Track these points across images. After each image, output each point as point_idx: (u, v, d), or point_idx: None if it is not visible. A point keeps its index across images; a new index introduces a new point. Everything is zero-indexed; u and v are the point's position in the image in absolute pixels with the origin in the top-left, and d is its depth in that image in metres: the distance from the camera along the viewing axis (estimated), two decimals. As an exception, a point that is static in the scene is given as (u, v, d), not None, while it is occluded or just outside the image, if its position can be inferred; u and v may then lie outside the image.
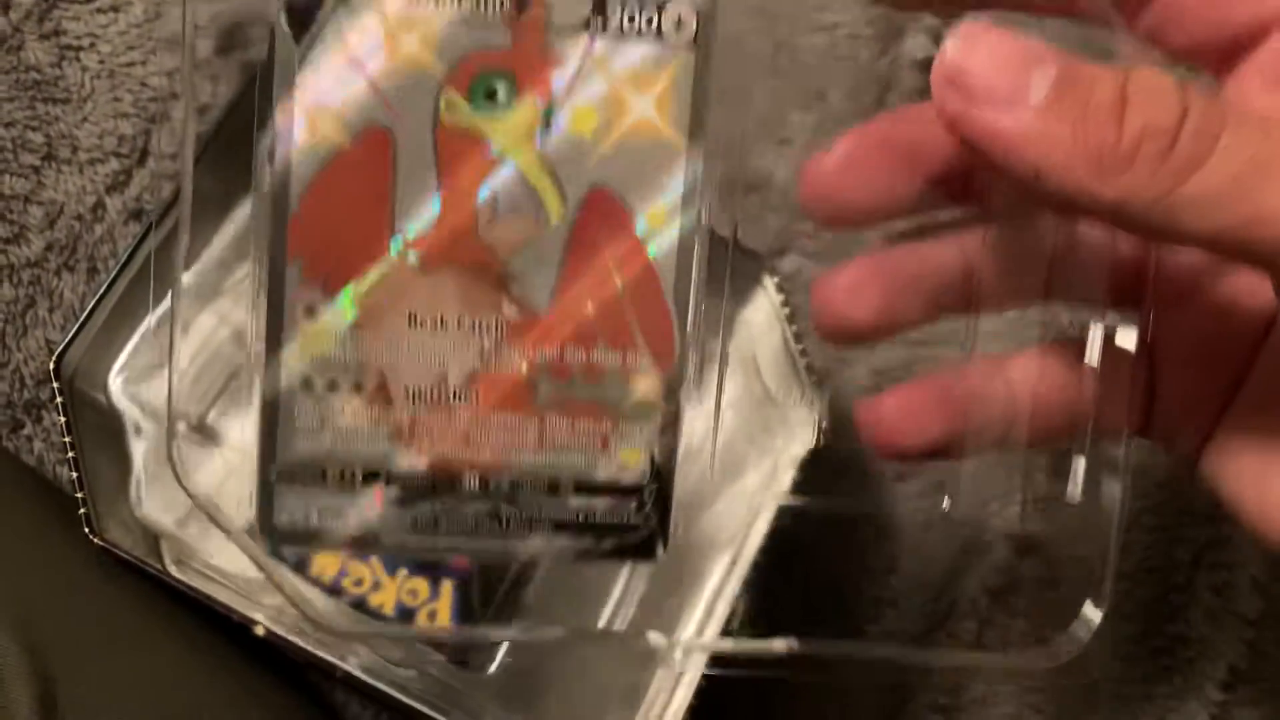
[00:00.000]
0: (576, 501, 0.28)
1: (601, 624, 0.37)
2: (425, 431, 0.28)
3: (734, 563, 0.37)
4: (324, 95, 0.26)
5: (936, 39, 0.38)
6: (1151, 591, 0.44)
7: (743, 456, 0.39)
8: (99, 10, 0.44)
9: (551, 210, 0.27)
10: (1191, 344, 0.29)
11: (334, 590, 0.36)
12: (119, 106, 0.44)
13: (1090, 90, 0.22)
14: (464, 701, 0.36)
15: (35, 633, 0.35)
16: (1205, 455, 0.28)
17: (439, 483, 0.28)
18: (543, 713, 0.37)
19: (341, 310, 0.27)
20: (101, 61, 0.44)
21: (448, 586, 0.36)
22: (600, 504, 0.28)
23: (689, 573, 0.37)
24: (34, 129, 0.44)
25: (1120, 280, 0.28)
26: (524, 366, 0.28)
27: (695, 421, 0.29)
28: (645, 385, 0.28)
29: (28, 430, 0.43)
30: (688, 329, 0.28)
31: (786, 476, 0.38)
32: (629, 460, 0.28)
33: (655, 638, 0.33)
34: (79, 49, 0.44)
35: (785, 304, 0.38)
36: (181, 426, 0.37)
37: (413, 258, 0.27)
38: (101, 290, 0.37)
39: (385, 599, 0.36)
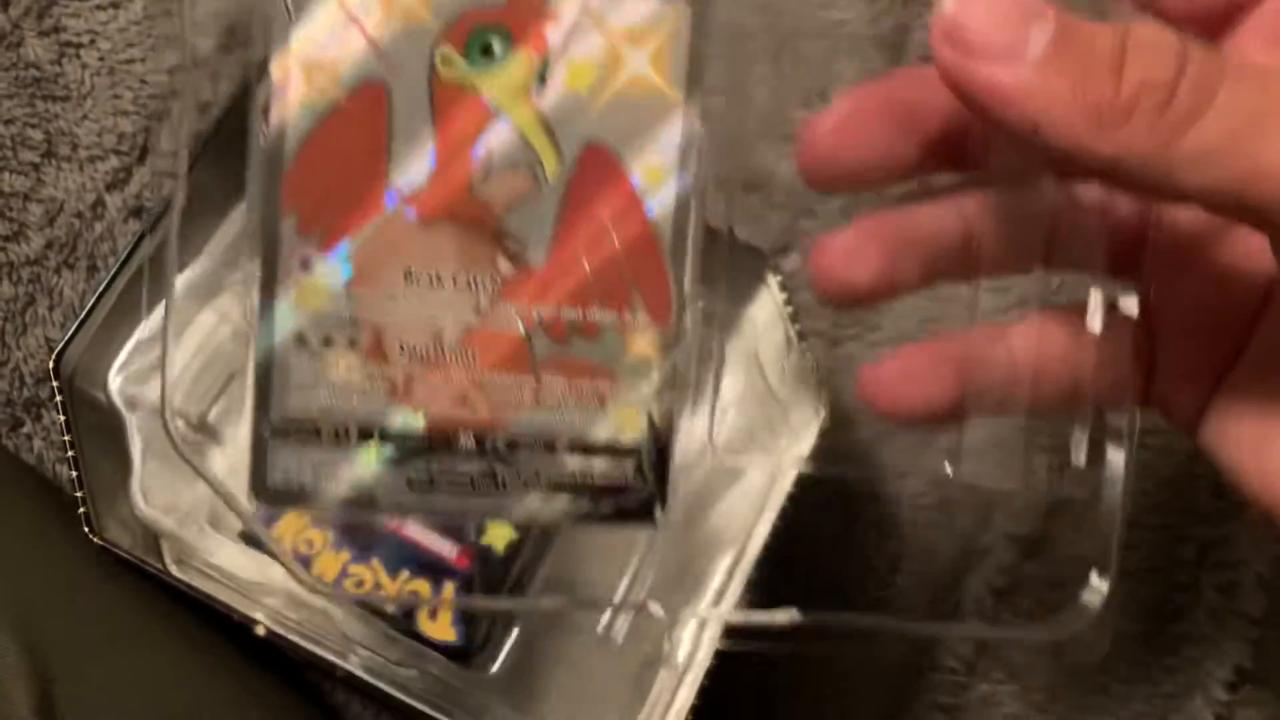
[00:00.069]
0: (574, 462, 0.28)
1: (603, 624, 0.37)
2: (421, 389, 0.27)
3: (737, 561, 0.37)
4: (320, 50, 0.26)
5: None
6: (1156, 590, 0.44)
7: (745, 453, 0.39)
8: (99, 7, 0.44)
9: (547, 166, 0.27)
10: (1191, 311, 0.29)
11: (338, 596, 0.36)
12: (119, 104, 0.44)
13: (1089, 44, 0.22)
14: (466, 701, 0.36)
15: (34, 632, 0.35)
16: (1205, 424, 0.28)
17: (435, 441, 0.28)
18: (545, 713, 0.37)
19: (337, 265, 0.27)
20: (101, 58, 0.44)
21: (449, 587, 0.36)
22: (598, 464, 0.28)
23: (692, 572, 0.37)
24: (33, 126, 0.44)
25: (1119, 248, 0.28)
26: (520, 324, 0.28)
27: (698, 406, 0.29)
28: (642, 344, 0.28)
29: (27, 428, 0.43)
30: (685, 288, 0.28)
31: (790, 475, 0.37)
32: (626, 421, 0.28)
33: (655, 608, 0.33)
34: (79, 46, 0.44)
35: (788, 302, 0.38)
36: (181, 425, 0.37)
37: (408, 213, 0.27)
38: (101, 288, 0.37)
39: (386, 599, 0.36)
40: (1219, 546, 0.44)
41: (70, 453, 0.35)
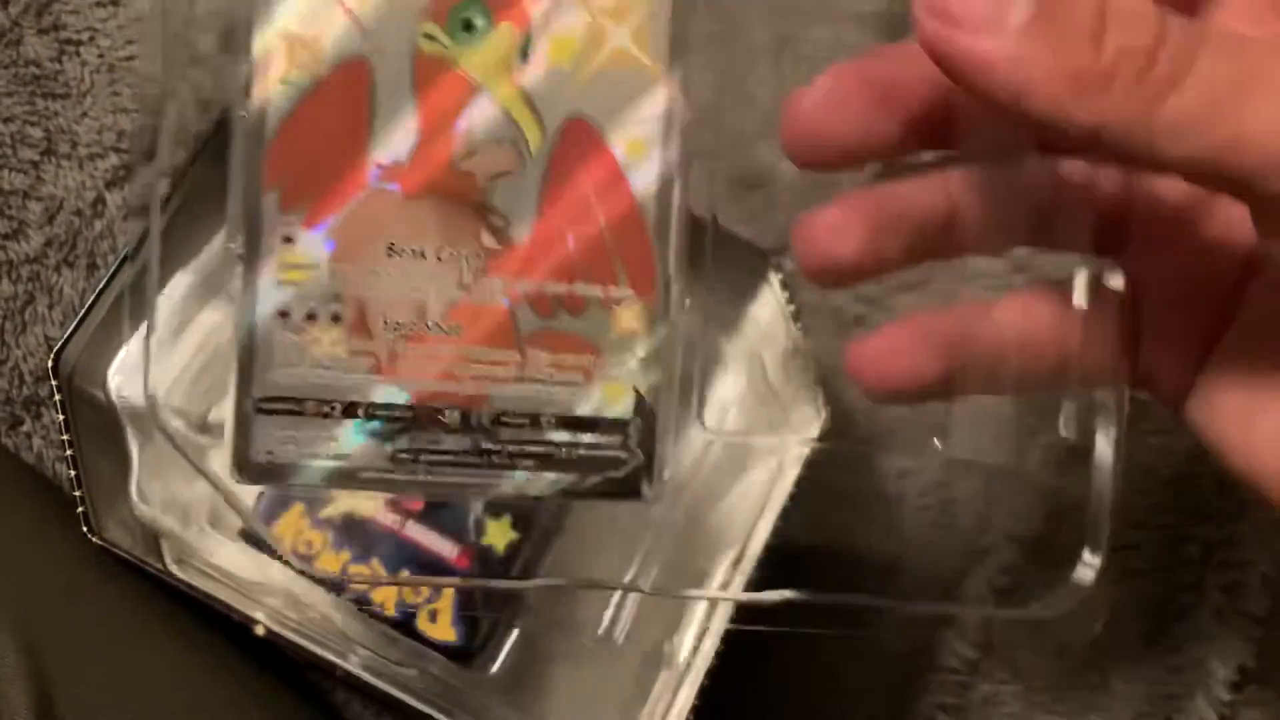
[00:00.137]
0: (560, 436, 0.28)
1: (604, 625, 0.37)
2: (404, 364, 0.27)
3: (738, 561, 0.37)
4: (302, 26, 0.26)
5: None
6: (1160, 590, 0.44)
7: (748, 454, 0.38)
8: (98, 4, 0.44)
9: (530, 140, 0.27)
10: (1175, 285, 0.29)
11: (336, 588, 0.36)
12: (118, 101, 0.44)
13: (1069, 13, 0.23)
14: (466, 701, 0.36)
15: (33, 632, 0.35)
16: (1190, 399, 0.28)
17: (419, 417, 0.27)
18: (546, 713, 0.37)
19: (319, 241, 0.27)
20: (101, 56, 0.44)
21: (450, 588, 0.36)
22: (584, 439, 0.28)
23: (693, 571, 0.37)
24: (33, 124, 0.44)
25: (1104, 225, 0.28)
26: (504, 298, 0.27)
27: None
28: (628, 318, 0.28)
29: (26, 427, 0.43)
30: (670, 263, 0.28)
31: (791, 474, 0.37)
32: (613, 395, 0.28)
33: (655, 586, 0.32)
34: (78, 43, 0.44)
35: (790, 301, 0.38)
36: (180, 424, 0.37)
37: (391, 188, 0.27)
38: (101, 286, 0.37)
39: (387, 597, 0.35)
40: (1223, 546, 0.44)
41: (69, 452, 0.35)
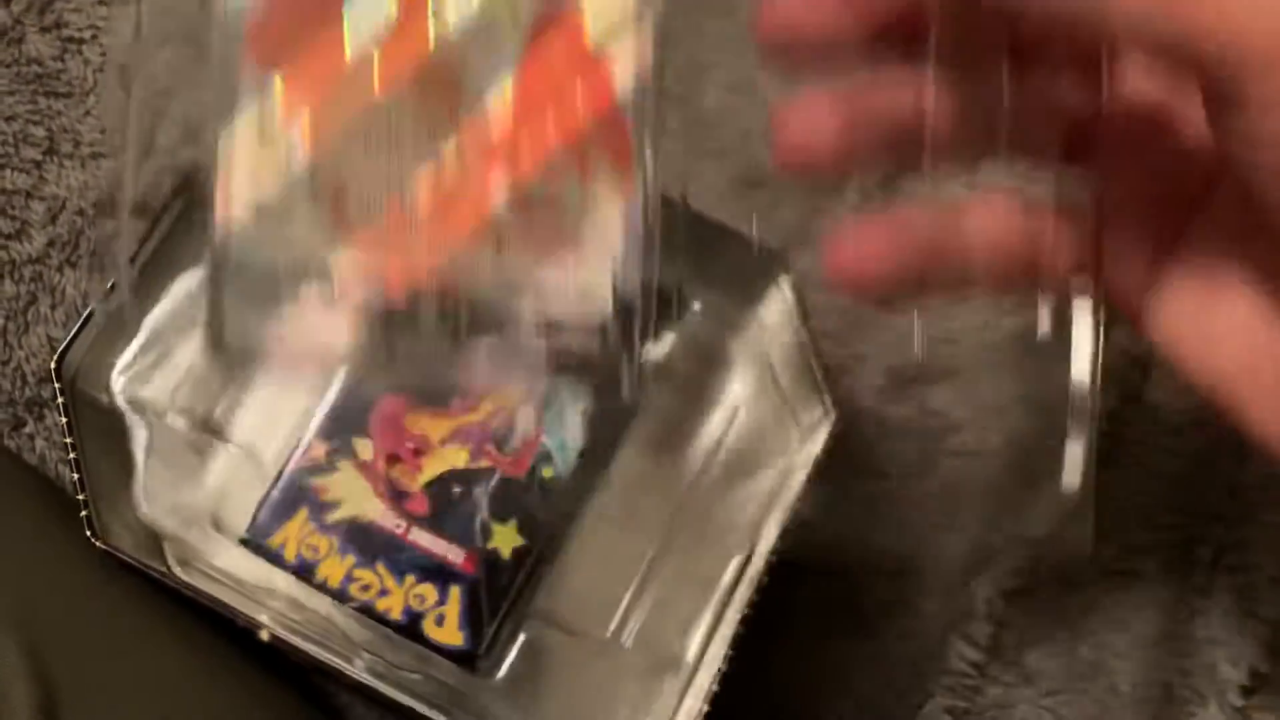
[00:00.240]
0: (537, 331, 0.27)
1: (611, 629, 0.37)
2: (381, 251, 0.27)
3: (746, 563, 0.37)
4: None
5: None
6: (1171, 593, 0.44)
7: (756, 455, 0.38)
8: (101, 2, 0.44)
9: (506, 22, 0.27)
10: (1139, 194, 0.29)
11: (340, 596, 0.35)
12: (121, 100, 0.44)
13: None
14: (471, 706, 0.36)
15: (36, 634, 0.35)
16: (1149, 305, 0.28)
17: (395, 309, 0.27)
18: (551, 718, 0.37)
19: (299, 123, 0.27)
20: (104, 54, 0.44)
21: (455, 592, 0.35)
22: (562, 335, 0.28)
23: (701, 573, 0.37)
24: (36, 123, 0.44)
25: (1070, 133, 0.28)
26: (480, 185, 0.27)
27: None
28: (606, 211, 0.27)
29: (29, 428, 0.43)
30: (647, 152, 0.28)
31: (800, 476, 0.37)
32: (591, 288, 0.28)
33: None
34: (81, 41, 0.44)
35: (799, 302, 0.38)
36: (183, 424, 0.37)
37: (369, 71, 0.27)
38: (104, 287, 0.37)
39: (393, 604, 0.35)
40: (1235, 550, 0.43)
41: (72, 455, 0.35)
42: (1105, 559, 0.44)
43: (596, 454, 0.37)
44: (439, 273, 0.27)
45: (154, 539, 0.36)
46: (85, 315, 0.36)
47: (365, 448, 0.36)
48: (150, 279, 0.37)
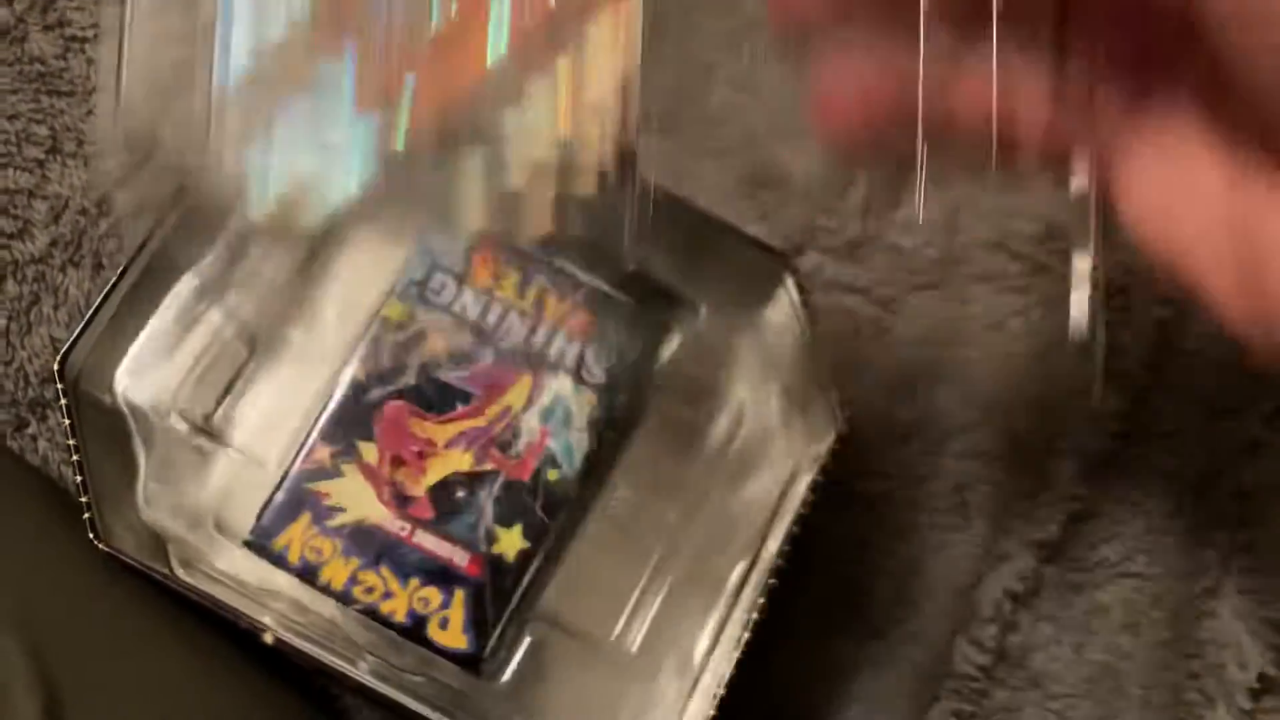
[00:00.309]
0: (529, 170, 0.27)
1: (616, 632, 0.36)
2: (382, 87, 0.26)
3: (753, 564, 0.37)
4: None
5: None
6: (1180, 595, 0.43)
7: (762, 457, 0.38)
8: (103, 0, 0.44)
9: None
10: (1111, 53, 0.28)
11: (344, 599, 0.35)
12: (124, 99, 0.43)
13: None
14: (475, 709, 0.36)
15: (39, 637, 0.34)
16: (1117, 175, 0.28)
17: (392, 143, 0.27)
18: (556, 722, 0.37)
19: None
20: (106, 53, 0.43)
21: (460, 595, 0.35)
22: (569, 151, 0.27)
23: (707, 576, 0.37)
24: (38, 122, 0.43)
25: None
26: (479, 18, 0.27)
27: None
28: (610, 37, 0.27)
29: (32, 429, 0.43)
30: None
31: (806, 478, 0.37)
32: (590, 138, 0.27)
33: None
34: (83, 40, 0.44)
35: (805, 303, 0.38)
36: (186, 425, 0.37)
37: None
38: (107, 288, 0.36)
39: (397, 607, 0.35)
40: (1244, 552, 0.43)
41: (75, 457, 0.35)
42: (1112, 561, 0.43)
43: (601, 457, 0.37)
44: (436, 103, 0.27)
45: (157, 541, 0.36)
46: (88, 315, 0.36)
47: (369, 451, 0.36)
48: (151, 279, 0.37)
